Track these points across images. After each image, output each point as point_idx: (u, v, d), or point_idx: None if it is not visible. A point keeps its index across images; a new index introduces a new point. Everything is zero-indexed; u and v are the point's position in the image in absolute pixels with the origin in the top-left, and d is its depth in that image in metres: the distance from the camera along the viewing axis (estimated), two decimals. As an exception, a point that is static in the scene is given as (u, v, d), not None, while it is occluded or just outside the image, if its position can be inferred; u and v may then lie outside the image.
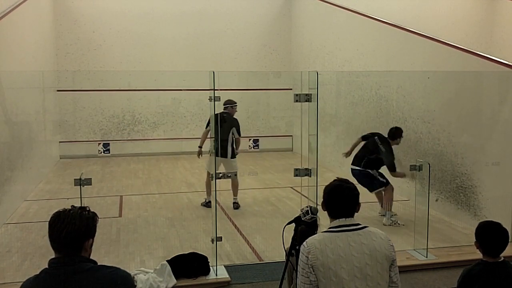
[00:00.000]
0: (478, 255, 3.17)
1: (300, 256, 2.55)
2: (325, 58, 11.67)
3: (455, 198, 7.05)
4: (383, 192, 7.15)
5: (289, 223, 3.35)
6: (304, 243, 2.55)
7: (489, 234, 3.08)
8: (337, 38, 11.12)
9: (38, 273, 2.22)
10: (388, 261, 2.54)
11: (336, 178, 2.71)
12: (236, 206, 7.85)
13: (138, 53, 13.19)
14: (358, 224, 2.59)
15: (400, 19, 9.14)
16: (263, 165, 11.95)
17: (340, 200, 2.59)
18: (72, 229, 2.20)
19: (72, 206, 2.31)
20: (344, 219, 2.58)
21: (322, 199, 2.68)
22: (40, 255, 5.58)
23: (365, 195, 8.27)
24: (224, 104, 7.83)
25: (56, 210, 2.29)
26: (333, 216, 2.62)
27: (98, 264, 2.28)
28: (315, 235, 2.60)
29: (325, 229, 2.63)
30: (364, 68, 9.85)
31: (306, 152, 5.39)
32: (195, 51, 13.43)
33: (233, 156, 7.93)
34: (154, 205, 8.20)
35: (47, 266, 2.23)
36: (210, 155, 7.47)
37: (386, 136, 7.21)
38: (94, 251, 2.38)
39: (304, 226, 3.29)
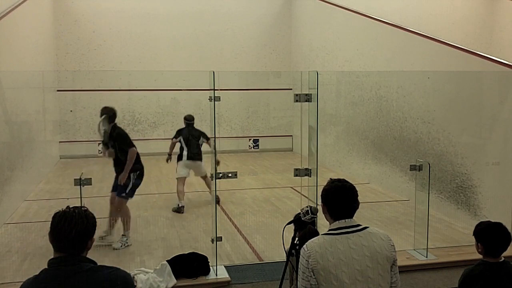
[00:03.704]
0: (478, 255, 3.17)
1: (300, 260, 2.53)
2: (325, 58, 11.67)
3: (455, 198, 7.05)
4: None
5: (289, 223, 3.34)
6: (304, 246, 2.53)
7: (492, 235, 3.07)
8: (337, 38, 11.11)
9: (37, 273, 2.22)
10: (389, 262, 2.52)
11: (331, 179, 2.68)
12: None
13: (138, 53, 13.18)
14: (359, 225, 2.57)
15: (400, 19, 9.14)
16: (263, 165, 11.95)
17: (341, 201, 2.57)
18: (81, 229, 2.21)
19: (68, 206, 2.31)
20: (344, 220, 2.55)
21: (321, 202, 2.65)
22: (40, 255, 5.57)
23: (368, 195, 8.28)
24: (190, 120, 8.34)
25: (56, 210, 2.29)
26: (333, 217, 2.60)
27: (98, 264, 2.28)
28: (314, 238, 2.58)
29: (325, 231, 2.61)
30: (364, 68, 9.84)
31: (306, 152, 5.39)
32: (195, 51, 13.42)
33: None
34: (154, 205, 8.20)
35: (47, 266, 2.23)
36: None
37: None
38: (94, 251, 2.38)
39: (312, 226, 3.28)
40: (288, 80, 13.81)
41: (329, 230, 2.57)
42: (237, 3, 13.84)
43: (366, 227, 2.57)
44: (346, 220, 2.56)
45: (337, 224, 2.56)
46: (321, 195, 2.65)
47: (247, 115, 13.89)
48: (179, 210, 7.67)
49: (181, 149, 8.19)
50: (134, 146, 6.23)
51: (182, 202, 7.75)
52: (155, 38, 13.31)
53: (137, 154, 6.27)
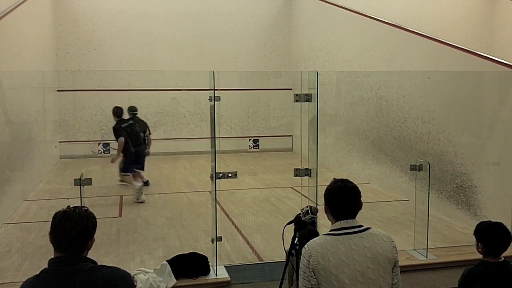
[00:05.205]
0: (478, 255, 3.17)
1: (301, 259, 2.53)
2: (325, 58, 11.67)
3: (455, 198, 7.05)
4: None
5: (289, 223, 3.34)
6: (305, 246, 2.52)
7: (493, 234, 3.07)
8: (337, 38, 11.11)
9: (38, 273, 2.22)
10: (390, 263, 2.51)
11: (335, 179, 2.67)
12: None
13: (138, 53, 13.19)
14: (361, 226, 2.55)
15: (400, 19, 9.14)
16: (263, 165, 11.95)
17: (343, 201, 2.55)
18: (81, 228, 2.22)
19: (69, 206, 2.31)
20: (346, 221, 2.54)
21: (324, 202, 2.64)
22: (40, 255, 5.58)
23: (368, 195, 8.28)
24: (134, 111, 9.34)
25: (56, 210, 2.29)
26: (335, 217, 2.59)
27: (98, 264, 2.28)
28: (316, 238, 2.57)
29: (326, 232, 2.61)
30: (364, 68, 9.85)
31: (306, 152, 5.39)
32: (195, 51, 13.43)
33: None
34: (154, 205, 8.20)
35: (47, 266, 2.23)
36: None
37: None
38: (94, 251, 2.38)
39: (311, 227, 3.28)
40: (288, 80, 13.81)
41: (331, 230, 2.56)
42: (237, 3, 13.84)
43: (368, 228, 2.56)
44: (348, 220, 2.55)
45: (339, 224, 2.55)
46: (324, 195, 2.63)
47: (247, 115, 13.89)
48: (146, 184, 9.03)
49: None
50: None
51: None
52: (155, 38, 13.31)
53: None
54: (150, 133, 9.54)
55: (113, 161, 8.78)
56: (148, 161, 9.92)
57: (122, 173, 8.59)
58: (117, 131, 8.42)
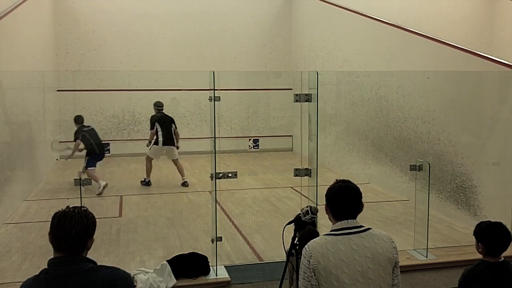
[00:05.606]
0: (478, 255, 3.17)
1: (301, 259, 2.53)
2: (325, 58, 11.67)
3: (455, 198, 7.05)
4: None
5: (289, 223, 3.34)
6: (306, 246, 2.52)
7: (493, 234, 3.07)
8: (337, 38, 11.11)
9: (37, 273, 2.22)
10: (391, 264, 2.51)
11: (337, 180, 2.68)
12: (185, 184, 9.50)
13: (138, 53, 13.18)
14: (361, 226, 2.56)
15: (400, 19, 9.14)
16: (263, 165, 11.95)
17: (344, 201, 2.56)
18: (81, 228, 2.22)
19: (68, 206, 2.31)
20: (346, 221, 2.55)
21: (325, 202, 2.64)
22: (40, 255, 5.58)
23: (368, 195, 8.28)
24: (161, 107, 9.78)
25: (56, 210, 2.29)
26: (335, 218, 2.59)
27: (98, 264, 2.28)
28: (316, 238, 2.57)
29: (326, 232, 2.61)
30: (364, 68, 9.85)
31: (306, 152, 5.39)
32: (195, 51, 13.43)
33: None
34: (154, 205, 8.20)
35: (46, 266, 2.23)
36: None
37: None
38: (94, 251, 2.38)
39: (312, 227, 3.28)
40: (288, 80, 13.81)
41: (331, 230, 2.57)
42: (237, 3, 13.84)
43: (368, 228, 2.57)
44: (349, 220, 2.55)
45: (339, 224, 2.56)
46: (325, 195, 2.64)
47: (247, 115, 13.89)
48: (147, 184, 9.52)
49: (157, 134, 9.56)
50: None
51: (148, 178, 9.59)
52: (155, 38, 13.30)
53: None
54: (176, 127, 9.73)
55: (67, 158, 9.74)
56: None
57: (88, 168, 8.97)
58: (77, 133, 9.22)
